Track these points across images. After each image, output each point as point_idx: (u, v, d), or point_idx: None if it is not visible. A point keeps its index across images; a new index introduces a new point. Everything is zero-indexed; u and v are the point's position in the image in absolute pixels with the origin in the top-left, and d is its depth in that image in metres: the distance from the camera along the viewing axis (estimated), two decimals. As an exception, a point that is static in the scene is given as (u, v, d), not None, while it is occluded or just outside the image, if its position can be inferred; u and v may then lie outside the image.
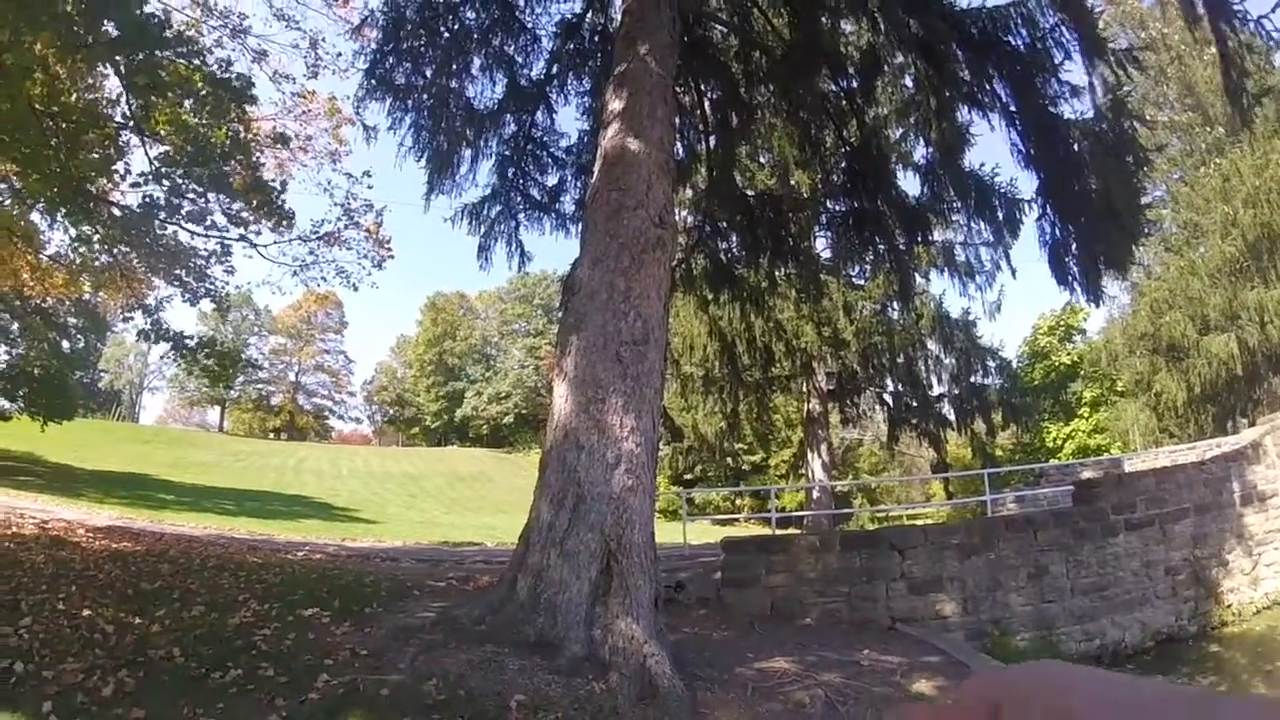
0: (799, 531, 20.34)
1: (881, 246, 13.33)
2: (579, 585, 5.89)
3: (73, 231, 14.18)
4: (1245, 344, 27.57)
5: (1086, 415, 41.45)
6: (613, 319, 6.63)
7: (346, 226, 17.68)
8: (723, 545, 10.54)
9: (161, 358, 65.94)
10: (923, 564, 10.53)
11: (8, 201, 14.79)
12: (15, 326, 24.71)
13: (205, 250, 14.28)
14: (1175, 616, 12.49)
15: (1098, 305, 12.59)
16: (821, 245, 19.88)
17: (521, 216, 13.09)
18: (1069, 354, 43.58)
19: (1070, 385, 42.79)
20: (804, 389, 26.82)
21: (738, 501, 37.77)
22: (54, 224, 14.86)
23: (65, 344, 27.18)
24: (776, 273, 14.85)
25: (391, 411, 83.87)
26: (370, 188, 26.72)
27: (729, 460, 34.74)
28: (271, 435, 74.78)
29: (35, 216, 15.39)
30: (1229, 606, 13.11)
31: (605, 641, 5.74)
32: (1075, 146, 10.34)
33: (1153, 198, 30.72)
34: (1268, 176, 27.25)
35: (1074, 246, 10.90)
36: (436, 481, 44.80)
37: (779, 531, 15.08)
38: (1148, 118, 28.14)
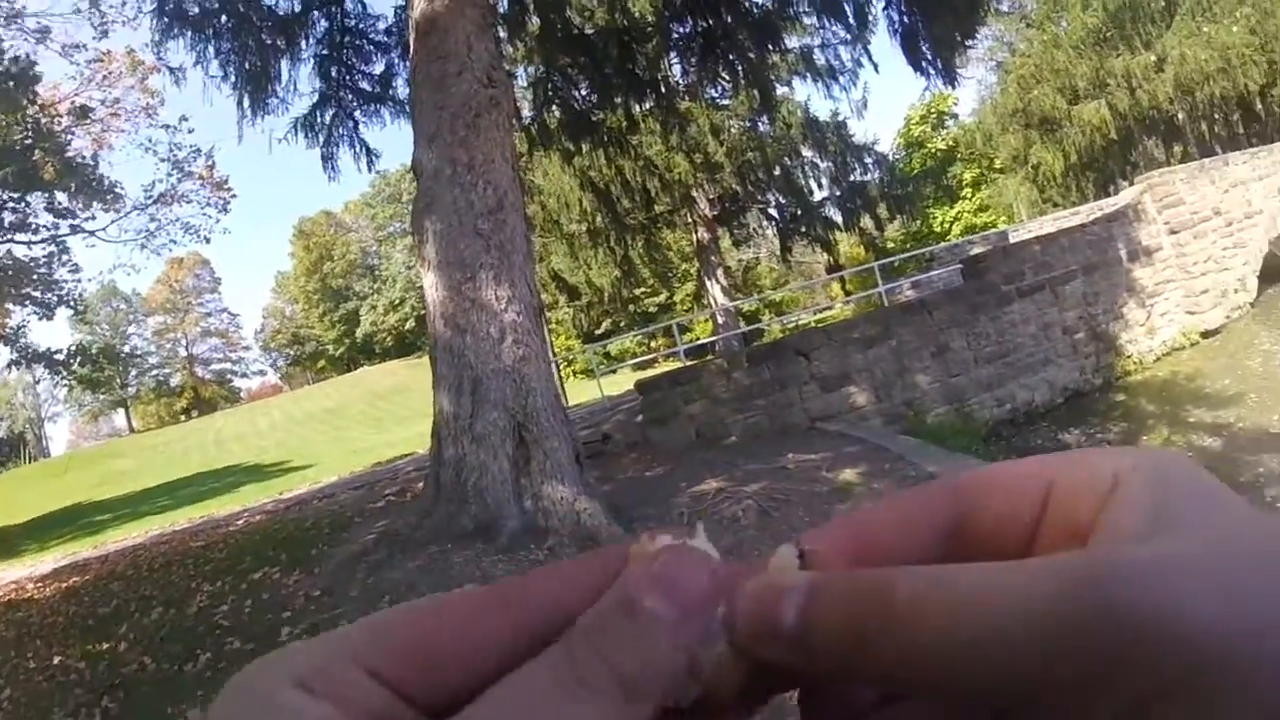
0: (707, 358, 20.78)
1: (736, 62, 13.07)
2: (498, 464, 5.88)
3: None
4: (1116, 109, 28.47)
5: (969, 196, 42.76)
6: (462, 194, 6.34)
7: (180, 180, 16.59)
8: (637, 388, 10.74)
9: (39, 382, 62.50)
10: (829, 363, 10.91)
11: None
12: None
13: (42, 257, 13.16)
14: (1079, 372, 13.32)
15: (954, 86, 12.70)
16: (676, 72, 19.37)
17: (357, 114, 12.27)
18: (944, 139, 44.42)
19: (949, 169, 43.83)
20: (689, 220, 26.73)
21: (652, 344, 38.23)
22: None
23: None
24: (635, 110, 14.49)
25: (292, 353, 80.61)
26: (192, 131, 24.71)
27: (633, 306, 34.83)
28: (182, 417, 71.60)
29: None
30: (1130, 357, 13.99)
31: (537, 509, 5.80)
32: None
33: None
34: None
35: (922, 30, 10.85)
36: (358, 407, 44.15)
37: (690, 362, 15.34)
38: None
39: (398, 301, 70.08)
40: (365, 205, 76.48)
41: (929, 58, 11.10)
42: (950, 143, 43.96)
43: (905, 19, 10.86)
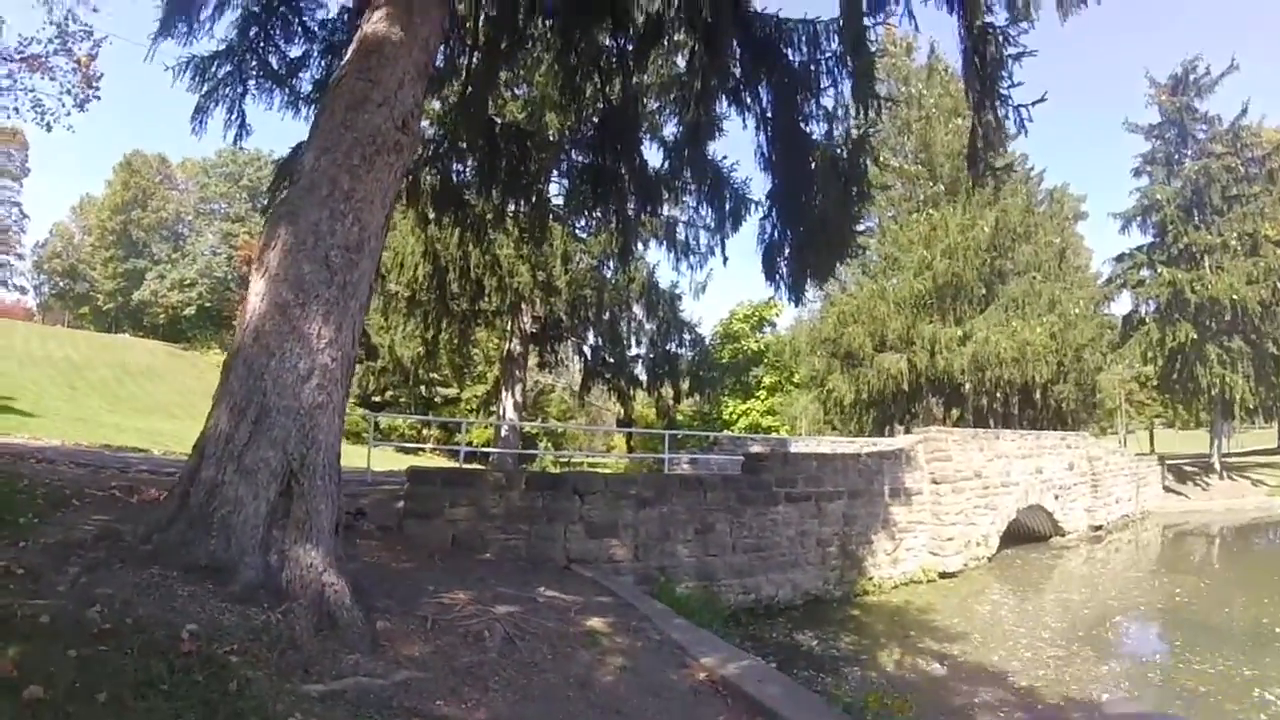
0: (485, 467, 20.39)
1: (613, 207, 13.55)
2: (256, 505, 5.34)
3: None
4: (914, 365, 31.75)
5: (763, 397, 46.10)
6: (329, 218, 6.03)
7: (56, 51, 14.92)
8: (409, 474, 10.32)
9: None
10: (601, 510, 11.04)
11: None
12: None
13: None
14: (823, 581, 14.21)
15: (798, 305, 13.96)
16: (555, 190, 19.84)
17: (252, 84, 11.54)
18: (758, 341, 47.98)
19: (753, 369, 47.06)
20: (508, 327, 26.83)
21: (425, 431, 37.15)
22: None
23: None
24: (506, 207, 14.60)
25: (62, 284, 71.94)
26: (95, 10, 22.22)
27: (422, 388, 34.03)
28: None
29: None
30: (871, 579, 15.16)
31: (282, 568, 5.28)
32: (813, 164, 11.10)
33: (867, 227, 34.78)
34: (970, 236, 31.62)
35: (788, 251, 11.72)
36: (102, 373, 39.73)
37: (465, 465, 15.01)
38: (883, 159, 32.22)
39: (188, 282, 64.79)
40: (202, 170, 71.12)
41: (783, 274, 11.94)
42: (762, 347, 47.33)
43: (776, 235, 11.71)
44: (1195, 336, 32.70)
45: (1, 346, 39.18)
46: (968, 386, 32.49)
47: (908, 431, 23.81)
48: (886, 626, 12.91)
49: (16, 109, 14.74)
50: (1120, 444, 39.39)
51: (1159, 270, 34.95)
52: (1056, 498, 21.84)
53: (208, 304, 64.75)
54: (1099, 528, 24.08)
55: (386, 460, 19.68)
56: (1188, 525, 27.32)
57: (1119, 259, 37.84)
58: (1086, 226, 69.07)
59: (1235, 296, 31.48)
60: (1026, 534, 21.46)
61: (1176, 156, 35.97)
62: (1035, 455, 21.06)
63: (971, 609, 14.31)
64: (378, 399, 36.32)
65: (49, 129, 15.85)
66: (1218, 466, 34.68)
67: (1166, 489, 31.87)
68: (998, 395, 32.69)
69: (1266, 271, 31.96)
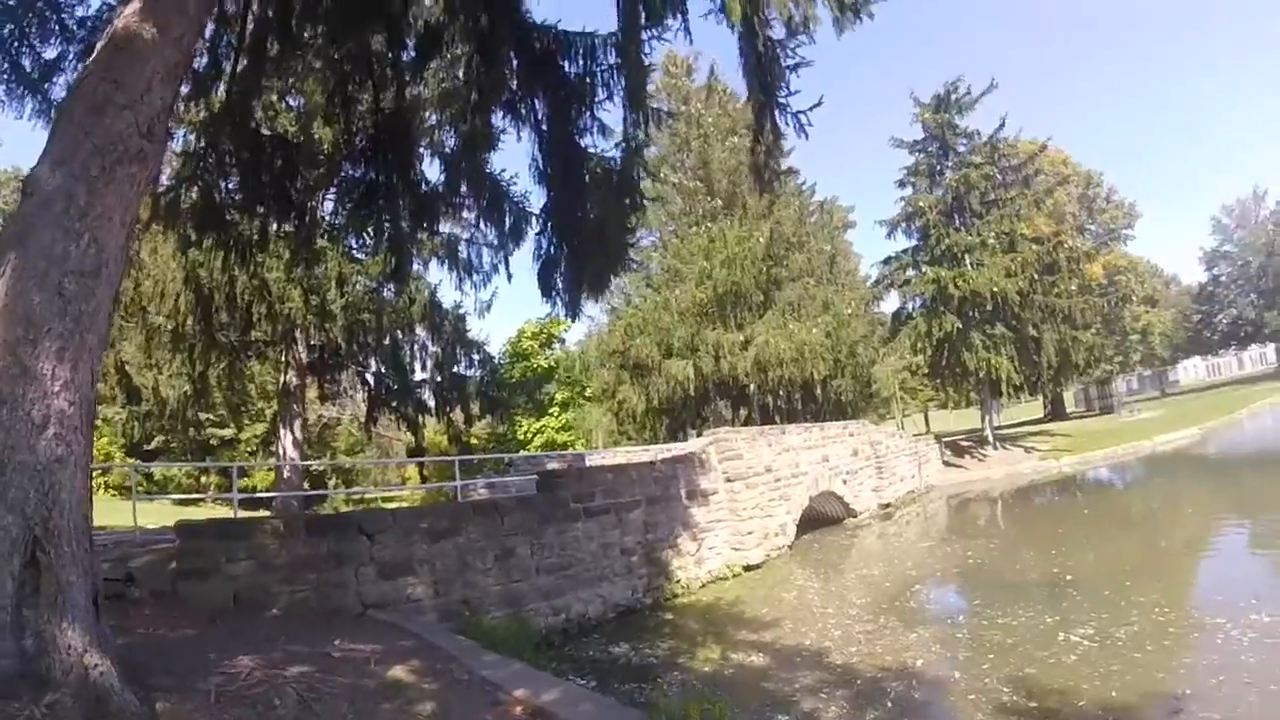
0: (267, 514, 18.86)
1: (388, 224, 12.91)
2: (0, 584, 4.46)
3: None
4: (700, 370, 32.81)
5: (556, 414, 46.02)
6: (63, 239, 5.13)
7: None
8: (177, 529, 9.28)
9: None
10: (392, 548, 10.44)
11: None
12: None
13: None
14: (632, 591, 14.21)
15: (574, 319, 14.03)
16: (330, 209, 18.67)
17: (1, 90, 9.99)
18: (547, 359, 47.96)
19: (545, 386, 46.93)
20: (283, 358, 25.11)
21: (203, 479, 34.12)
22: None
23: None
24: (272, 227, 13.53)
25: None
26: None
27: (194, 431, 31.17)
28: None
29: None
30: (679, 582, 15.32)
31: (40, 653, 4.41)
32: (587, 177, 11.11)
33: (646, 242, 36.07)
34: (747, 247, 33.15)
35: (564, 265, 11.69)
36: None
37: (245, 514, 13.78)
38: (663, 175, 33.67)
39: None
40: None
41: (560, 289, 11.87)
42: (552, 364, 47.31)
43: (552, 250, 11.62)
44: (960, 326, 35.42)
45: None
46: (752, 387, 34.13)
47: (699, 435, 24.57)
48: (700, 626, 13.04)
49: None
50: (899, 427, 42.58)
51: (923, 269, 37.67)
52: (845, 482, 23.22)
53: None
54: (888, 505, 25.89)
55: (161, 515, 17.70)
56: (970, 494, 29.48)
57: (886, 261, 40.59)
58: (855, 234, 74.93)
59: (995, 289, 34.43)
60: (822, 519, 22.64)
61: (939, 168, 39.02)
62: (821, 445, 22.36)
63: (779, 597, 14.74)
64: (149, 448, 32.78)
65: None
66: (991, 439, 37.63)
67: (946, 464, 34.52)
68: (781, 393, 34.60)
69: (1023, 265, 35.17)
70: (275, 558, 9.28)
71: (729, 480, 17.66)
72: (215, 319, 19.47)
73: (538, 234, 11.74)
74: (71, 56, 10.28)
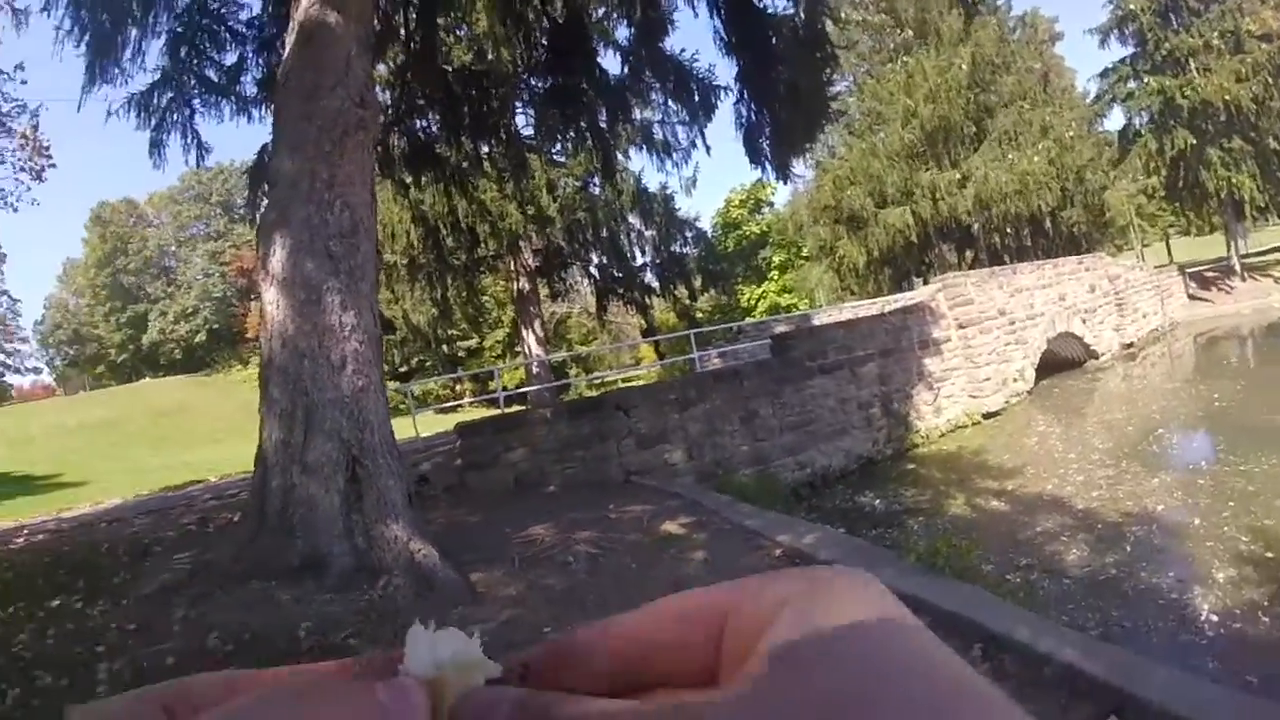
0: (525, 407, 20.74)
1: (584, 124, 13.42)
2: (329, 499, 5.60)
3: None
4: (919, 216, 31.37)
5: (776, 278, 45.82)
6: (318, 211, 6.09)
7: None
8: (458, 431, 10.61)
9: None
10: (647, 420, 11.27)
11: None
12: None
13: None
14: (872, 443, 14.52)
15: (786, 182, 14.01)
16: (523, 123, 19.59)
17: (197, 103, 11.42)
18: (758, 224, 47.39)
19: (760, 252, 46.73)
20: (512, 268, 26.83)
21: (458, 388, 37.55)
22: None
23: None
24: (479, 151, 14.52)
25: (71, 352, 71.03)
26: (24, 83, 21.33)
27: (444, 348, 34.30)
28: None
29: None
30: (918, 432, 15.45)
31: (370, 548, 5.57)
32: (773, 38, 10.88)
33: (840, 88, 33.75)
34: (949, 77, 30.72)
35: (767, 129, 11.61)
36: (138, 423, 40.17)
37: (508, 410, 15.32)
38: (844, 16, 30.74)
39: (190, 311, 64.53)
40: (170, 200, 69.89)
41: (767, 154, 11.86)
42: (764, 228, 46.92)
43: (752, 116, 11.58)
44: (1194, 141, 31.85)
45: (36, 427, 39.81)
46: (976, 227, 32.20)
47: (925, 283, 23.74)
48: (942, 474, 13.16)
49: None
50: (1138, 259, 38.78)
51: (1145, 80, 33.93)
52: (1084, 321, 21.75)
53: (215, 325, 64.55)
54: (1130, 345, 24.10)
55: (430, 425, 19.97)
56: (1217, 331, 27.14)
57: (1103, 74, 36.68)
58: (1064, 46, 67.04)
59: (1227, 97, 30.55)
60: (1061, 362, 21.50)
61: (1144, -39, 34.22)
62: (1054, 284, 20.92)
63: (1020, 443, 14.52)
64: (405, 369, 36.72)
65: (14, 210, 15.83)
66: (1238, 269, 34.18)
67: (1191, 297, 31.70)
68: (1007, 231, 32.36)
69: (1255, 68, 30.73)
70: (545, 442, 10.48)
71: (961, 327, 17.14)
72: (444, 246, 21.17)
73: (735, 103, 11.71)
74: (250, 55, 11.50)
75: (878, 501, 11.90)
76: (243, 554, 5.78)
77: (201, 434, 35.25)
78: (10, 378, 70.39)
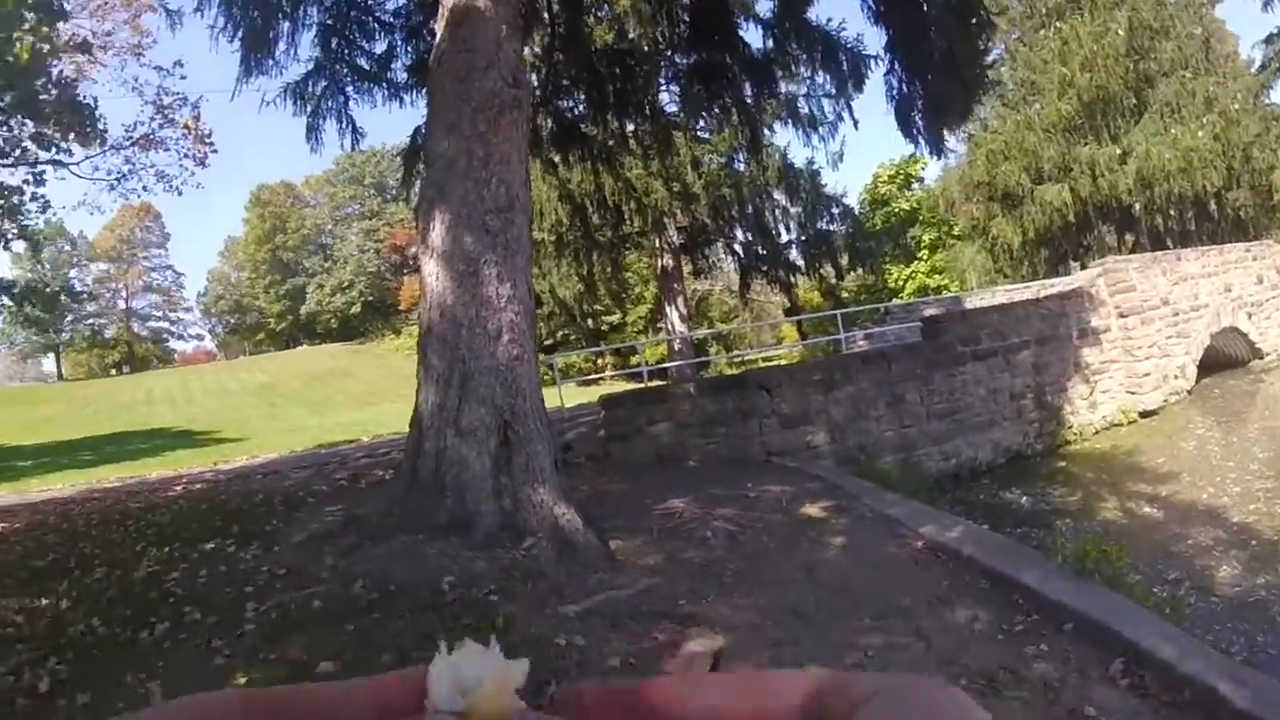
0: (666, 382, 20.92)
1: (728, 99, 13.32)
2: (480, 461, 5.87)
3: None
4: (1077, 194, 29.54)
5: (925, 257, 44.09)
6: (474, 188, 6.35)
7: (162, 126, 16.18)
8: (602, 403, 10.85)
9: None
10: (790, 401, 11.16)
11: None
12: None
13: (17, 185, 12.52)
14: (1023, 436, 13.83)
15: (940, 157, 13.28)
16: (667, 100, 19.66)
17: (350, 90, 12.04)
18: (908, 200, 45.66)
19: (909, 230, 45.07)
20: (656, 245, 27.02)
21: (599, 361, 38.19)
22: None
23: None
24: (624, 130, 14.65)
25: (232, 321, 77.65)
26: (184, 78, 23.80)
27: (589, 322, 34.94)
28: (112, 371, 68.61)
29: None
30: (1071, 427, 14.57)
31: (516, 510, 5.81)
32: (924, 4, 10.47)
33: (992, 56, 31.77)
34: (1105, 43, 28.71)
35: (919, 101, 11.18)
36: (293, 385, 43.08)
37: (643, 385, 15.50)
38: None
39: (346, 284, 68.75)
40: (326, 183, 74.70)
41: (920, 127, 11.44)
42: (913, 205, 45.18)
43: (904, 87, 11.18)
44: None
45: (200, 388, 43.25)
46: (1137, 208, 29.99)
47: (1083, 267, 22.28)
48: (1093, 474, 12.46)
49: (145, 187, 16.07)
50: None
51: None
52: (1250, 316, 19.81)
53: (369, 298, 68.36)
54: None
55: (573, 396, 20.47)
56: None
57: (1269, 40, 32.86)
58: (1225, 9, 61.24)
59: None
60: (1223, 360, 19.70)
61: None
62: (1220, 272, 19.12)
63: (1177, 447, 13.54)
64: (550, 342, 37.74)
65: (179, 194, 17.12)
66: None
67: None
68: (1170, 212, 29.85)
69: None
70: (688, 417, 10.58)
71: (1121, 315, 16.01)
72: (590, 223, 21.53)
73: (885, 74, 11.27)
74: (400, 43, 12.01)
75: (1024, 499, 11.39)
76: (393, 509, 6.12)
77: (354, 397, 37.21)
78: (174, 343, 78.84)
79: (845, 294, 34.13)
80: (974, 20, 10.99)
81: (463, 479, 5.84)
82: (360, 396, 37.15)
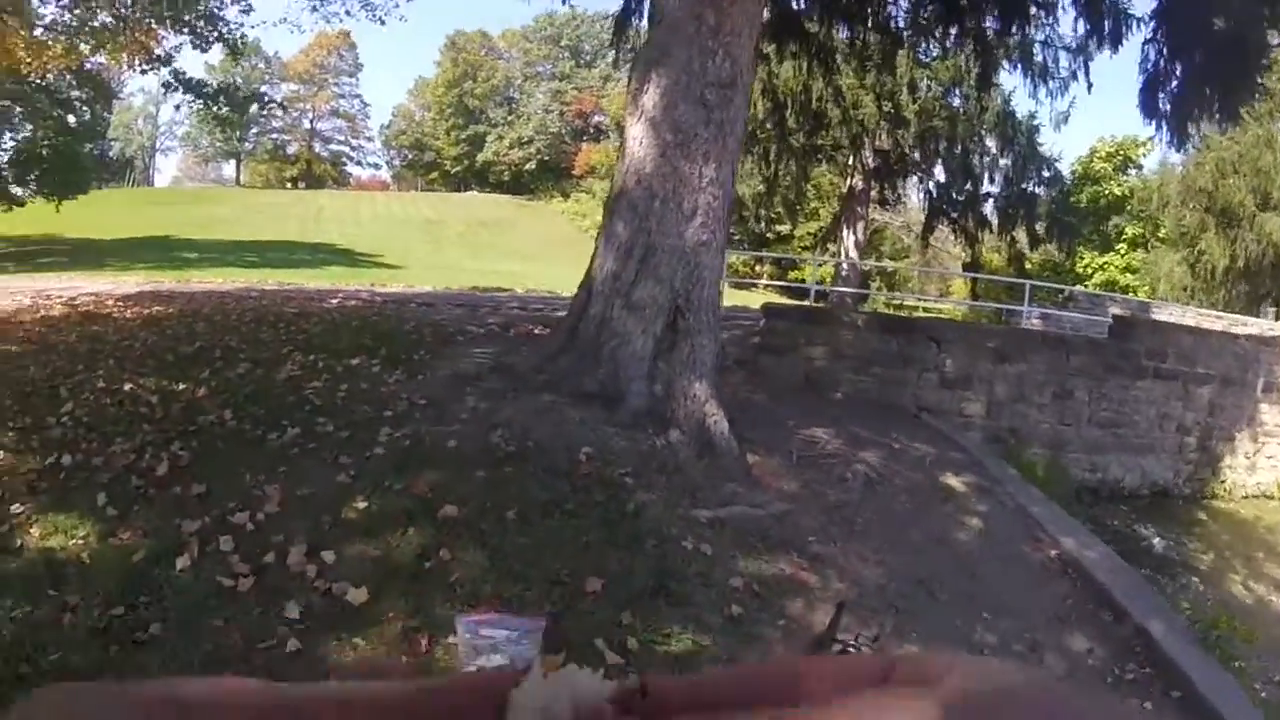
0: (823, 305, 20.29)
1: (968, 24, 12.25)
2: (643, 340, 5.68)
3: None
4: (1302, 233, 26.12)
5: (1123, 251, 40.58)
6: (698, 55, 5.90)
7: None
8: (765, 311, 10.42)
9: (177, 110, 63.06)
10: (956, 361, 10.44)
11: None
12: (17, 109, 24.08)
13: None
14: (1174, 473, 12.54)
15: (1180, 149, 11.83)
16: (896, 13, 18.32)
17: None
18: (1120, 185, 41.87)
19: (1113, 218, 41.49)
20: (849, 163, 25.82)
21: (758, 267, 37.46)
22: None
23: (71, 118, 26.51)
24: (848, 34, 13.82)
25: (410, 156, 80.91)
26: None
27: (761, 225, 34.10)
28: (289, 185, 72.99)
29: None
30: (1223, 482, 13.21)
31: (667, 398, 5.63)
32: None
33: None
34: None
35: (1176, 84, 9.86)
36: (458, 227, 44.50)
37: (805, 303, 14.98)
38: None
39: (526, 140, 70.12)
40: (522, 38, 75.86)
41: (1167, 113, 10.15)
42: (1125, 192, 41.51)
43: (1162, 64, 9.87)
44: None
45: (366, 213, 45.06)
46: None
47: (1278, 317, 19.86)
48: (1230, 539, 11.34)
49: (348, 11, 16.12)
50: None
51: None
52: None
53: (546, 158, 69.42)
54: None
55: (727, 297, 20.23)
56: None
57: None
58: None
59: None
60: None
61: None
62: None
63: None
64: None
65: (381, 23, 17.12)
66: None
67: None
68: None
69: None
70: (847, 347, 10.04)
71: None
72: (787, 125, 20.61)
73: (1144, 42, 9.99)
74: None
75: (1157, 540, 10.41)
76: (543, 366, 6.06)
77: (514, 250, 38.03)
78: (351, 168, 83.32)
79: (1030, 265, 31.98)
80: (1269, 5, 9.49)
81: (621, 353, 5.68)
82: (520, 250, 37.92)
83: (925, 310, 30.45)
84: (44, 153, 24.85)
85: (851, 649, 3.78)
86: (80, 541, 3.88)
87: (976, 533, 5.79)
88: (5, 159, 25.47)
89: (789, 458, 6.05)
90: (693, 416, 5.49)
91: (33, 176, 25.50)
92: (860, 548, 4.93)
